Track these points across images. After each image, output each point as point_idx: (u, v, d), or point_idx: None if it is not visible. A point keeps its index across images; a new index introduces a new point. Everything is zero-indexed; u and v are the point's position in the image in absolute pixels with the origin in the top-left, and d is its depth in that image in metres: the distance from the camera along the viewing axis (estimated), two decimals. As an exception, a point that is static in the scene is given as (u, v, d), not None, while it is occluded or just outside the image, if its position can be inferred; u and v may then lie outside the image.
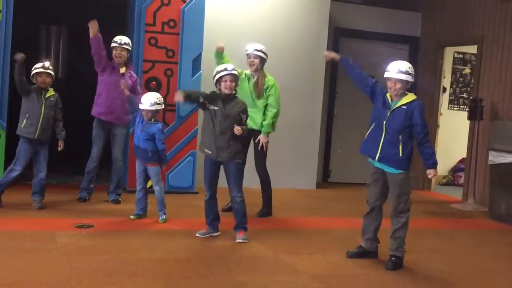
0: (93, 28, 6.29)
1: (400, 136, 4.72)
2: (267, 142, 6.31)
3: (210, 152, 5.30)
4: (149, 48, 7.20)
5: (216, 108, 5.26)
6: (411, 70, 4.75)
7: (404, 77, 4.70)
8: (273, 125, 6.35)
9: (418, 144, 4.80)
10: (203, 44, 7.35)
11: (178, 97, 5.34)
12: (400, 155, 4.72)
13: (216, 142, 5.25)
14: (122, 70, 6.48)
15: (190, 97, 5.39)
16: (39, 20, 9.09)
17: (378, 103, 4.87)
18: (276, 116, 6.34)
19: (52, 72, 6.03)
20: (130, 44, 6.55)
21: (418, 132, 4.73)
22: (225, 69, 5.28)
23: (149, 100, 5.81)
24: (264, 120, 6.31)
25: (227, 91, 5.27)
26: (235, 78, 5.30)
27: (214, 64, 7.49)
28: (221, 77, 5.29)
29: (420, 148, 4.79)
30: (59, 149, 6.12)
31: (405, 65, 4.75)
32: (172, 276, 4.28)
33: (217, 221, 5.46)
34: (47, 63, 6.05)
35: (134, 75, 6.66)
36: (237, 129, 5.20)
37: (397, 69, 4.71)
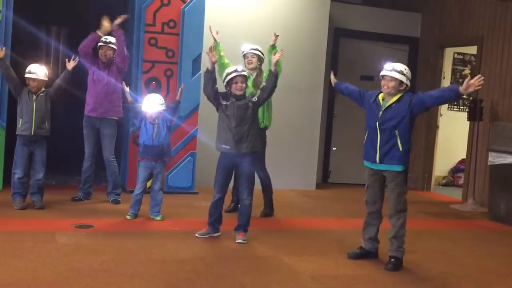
0: (107, 27, 6.41)
1: (397, 131, 4.76)
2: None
3: (228, 147, 5.26)
4: (149, 49, 7.21)
5: (228, 102, 5.27)
6: (406, 72, 4.80)
7: (397, 75, 4.75)
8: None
9: (436, 97, 4.76)
10: (203, 44, 7.35)
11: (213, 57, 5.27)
12: (400, 149, 4.76)
13: (234, 136, 5.24)
14: (105, 64, 6.50)
15: (212, 74, 5.29)
16: (39, 20, 9.09)
17: (368, 108, 4.94)
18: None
19: (45, 78, 6.04)
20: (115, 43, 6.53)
21: (423, 96, 4.76)
22: (236, 71, 5.28)
23: (153, 103, 5.84)
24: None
25: (237, 92, 5.28)
26: (245, 79, 5.31)
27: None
28: (231, 79, 5.28)
29: (441, 94, 4.76)
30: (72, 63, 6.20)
31: (401, 66, 4.83)
32: (171, 277, 4.28)
33: (219, 222, 5.45)
34: (41, 71, 6.01)
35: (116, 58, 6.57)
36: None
37: (392, 67, 4.79)
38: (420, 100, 4.75)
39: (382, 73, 4.82)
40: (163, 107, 5.90)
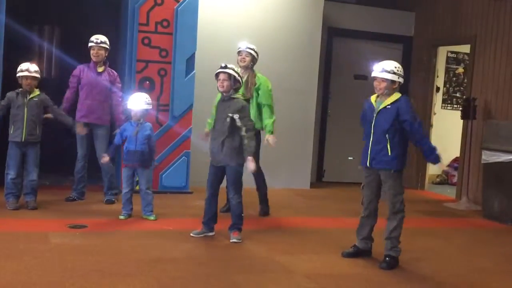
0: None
1: (387, 135, 4.72)
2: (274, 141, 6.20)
3: (211, 158, 5.30)
4: (143, 48, 7.19)
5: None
6: (397, 70, 4.73)
7: (389, 76, 4.70)
8: (273, 123, 6.22)
9: (416, 142, 4.80)
10: (197, 43, 7.34)
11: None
12: (389, 154, 4.73)
13: (212, 147, 5.25)
14: (100, 69, 6.46)
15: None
16: (32, 20, 9.06)
17: (365, 116, 4.91)
18: (272, 112, 6.24)
19: (37, 75, 6.02)
20: (108, 43, 6.49)
21: (409, 128, 4.70)
22: (220, 67, 5.21)
23: (139, 101, 5.83)
24: (264, 120, 6.22)
25: (220, 89, 5.24)
26: (229, 76, 5.16)
27: (207, 64, 7.52)
28: (216, 75, 5.23)
29: (418, 146, 4.81)
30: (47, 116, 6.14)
31: (391, 65, 4.75)
32: (165, 276, 4.27)
33: (213, 221, 5.44)
34: (32, 67, 6.00)
35: (114, 72, 6.57)
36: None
37: (382, 68, 4.73)
38: (405, 125, 4.70)
39: (372, 74, 4.78)
40: (149, 106, 5.89)
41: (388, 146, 4.72)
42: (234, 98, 5.23)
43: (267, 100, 6.23)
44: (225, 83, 5.16)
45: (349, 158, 9.09)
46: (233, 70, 5.20)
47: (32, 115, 5.98)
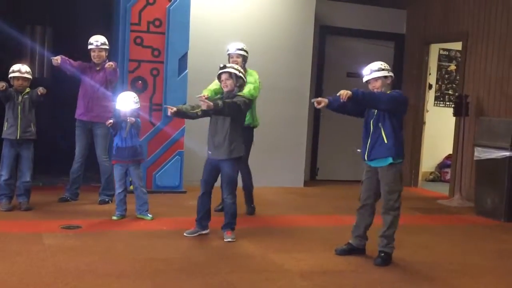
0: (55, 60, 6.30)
1: (380, 124, 4.80)
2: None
3: (210, 153, 5.30)
4: (135, 48, 7.18)
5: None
6: (384, 66, 4.86)
7: (378, 74, 4.81)
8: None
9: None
10: (189, 43, 7.34)
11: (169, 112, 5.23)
12: (386, 141, 4.78)
13: (214, 141, 5.26)
14: (98, 67, 6.44)
15: (180, 113, 5.27)
16: (24, 20, 9.03)
17: (366, 111, 4.95)
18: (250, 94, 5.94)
19: (29, 76, 6.01)
20: (107, 43, 6.48)
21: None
22: (223, 67, 5.29)
23: (127, 101, 5.81)
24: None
25: (225, 89, 5.30)
26: (230, 75, 5.24)
27: (200, 63, 7.52)
28: (219, 76, 5.31)
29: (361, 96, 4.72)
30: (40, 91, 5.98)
31: (375, 64, 4.88)
32: (159, 276, 4.27)
33: (207, 219, 5.45)
34: (24, 68, 5.99)
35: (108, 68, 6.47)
36: (204, 103, 5.01)
37: (369, 70, 4.86)
38: None
39: (364, 80, 4.89)
40: (137, 106, 5.88)
41: (384, 134, 4.78)
42: (238, 95, 5.30)
43: (249, 81, 5.92)
44: (228, 82, 5.26)
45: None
46: (233, 68, 5.30)
47: (25, 112, 5.96)
